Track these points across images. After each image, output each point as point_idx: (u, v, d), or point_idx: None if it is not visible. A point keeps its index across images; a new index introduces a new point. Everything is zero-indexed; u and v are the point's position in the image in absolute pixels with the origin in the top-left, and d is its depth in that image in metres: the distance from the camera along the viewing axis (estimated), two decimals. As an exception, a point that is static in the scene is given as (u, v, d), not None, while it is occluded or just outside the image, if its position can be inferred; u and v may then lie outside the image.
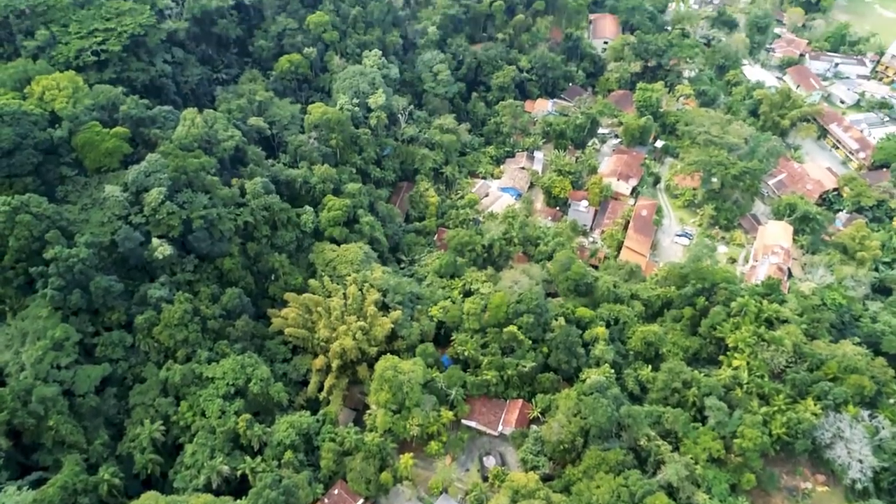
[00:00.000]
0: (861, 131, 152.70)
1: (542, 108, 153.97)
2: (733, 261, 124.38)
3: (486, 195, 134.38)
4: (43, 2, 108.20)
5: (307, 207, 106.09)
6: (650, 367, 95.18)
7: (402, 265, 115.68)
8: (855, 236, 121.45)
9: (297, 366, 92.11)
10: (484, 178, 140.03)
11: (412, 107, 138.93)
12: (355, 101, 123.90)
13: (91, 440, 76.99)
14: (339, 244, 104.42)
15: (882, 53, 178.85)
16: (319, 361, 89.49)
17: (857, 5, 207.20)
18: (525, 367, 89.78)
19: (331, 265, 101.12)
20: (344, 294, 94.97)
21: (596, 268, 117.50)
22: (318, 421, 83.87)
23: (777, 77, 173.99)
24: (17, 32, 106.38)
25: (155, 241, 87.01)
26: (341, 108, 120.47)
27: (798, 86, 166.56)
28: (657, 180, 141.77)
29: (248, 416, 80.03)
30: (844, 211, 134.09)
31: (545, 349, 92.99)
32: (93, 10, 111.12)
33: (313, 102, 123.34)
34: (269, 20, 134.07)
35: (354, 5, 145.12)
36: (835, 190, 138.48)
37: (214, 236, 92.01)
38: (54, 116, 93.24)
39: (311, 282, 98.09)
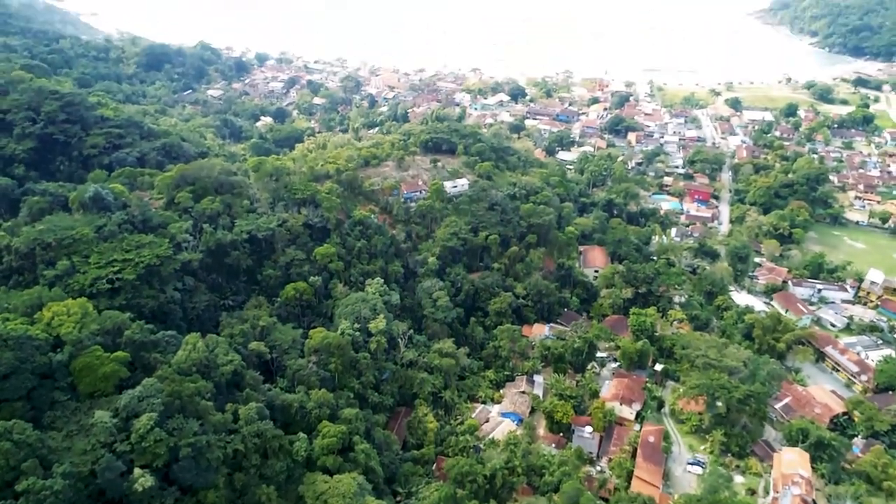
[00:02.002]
0: (858, 354, 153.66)
1: (540, 332, 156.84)
2: (752, 492, 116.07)
3: (487, 420, 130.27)
4: (70, 236, 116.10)
5: (301, 434, 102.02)
6: None
7: (399, 498, 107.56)
8: (877, 464, 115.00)
9: None
10: (484, 402, 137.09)
11: (412, 331, 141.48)
12: (356, 326, 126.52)
13: None
14: (331, 474, 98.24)
15: (861, 280, 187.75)
16: None
17: (828, 238, 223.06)
18: None
19: (322, 498, 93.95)
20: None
21: (606, 500, 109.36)
22: None
23: (765, 302, 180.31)
24: (40, 262, 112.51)
25: (137, 471, 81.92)
26: (342, 333, 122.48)
27: (787, 310, 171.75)
28: (661, 404, 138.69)
29: None
30: (860, 436, 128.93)
31: None
32: (115, 242, 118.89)
33: (315, 328, 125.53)
34: (278, 252, 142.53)
35: (360, 238, 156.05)
36: (844, 414, 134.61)
37: (201, 465, 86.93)
38: (58, 340, 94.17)
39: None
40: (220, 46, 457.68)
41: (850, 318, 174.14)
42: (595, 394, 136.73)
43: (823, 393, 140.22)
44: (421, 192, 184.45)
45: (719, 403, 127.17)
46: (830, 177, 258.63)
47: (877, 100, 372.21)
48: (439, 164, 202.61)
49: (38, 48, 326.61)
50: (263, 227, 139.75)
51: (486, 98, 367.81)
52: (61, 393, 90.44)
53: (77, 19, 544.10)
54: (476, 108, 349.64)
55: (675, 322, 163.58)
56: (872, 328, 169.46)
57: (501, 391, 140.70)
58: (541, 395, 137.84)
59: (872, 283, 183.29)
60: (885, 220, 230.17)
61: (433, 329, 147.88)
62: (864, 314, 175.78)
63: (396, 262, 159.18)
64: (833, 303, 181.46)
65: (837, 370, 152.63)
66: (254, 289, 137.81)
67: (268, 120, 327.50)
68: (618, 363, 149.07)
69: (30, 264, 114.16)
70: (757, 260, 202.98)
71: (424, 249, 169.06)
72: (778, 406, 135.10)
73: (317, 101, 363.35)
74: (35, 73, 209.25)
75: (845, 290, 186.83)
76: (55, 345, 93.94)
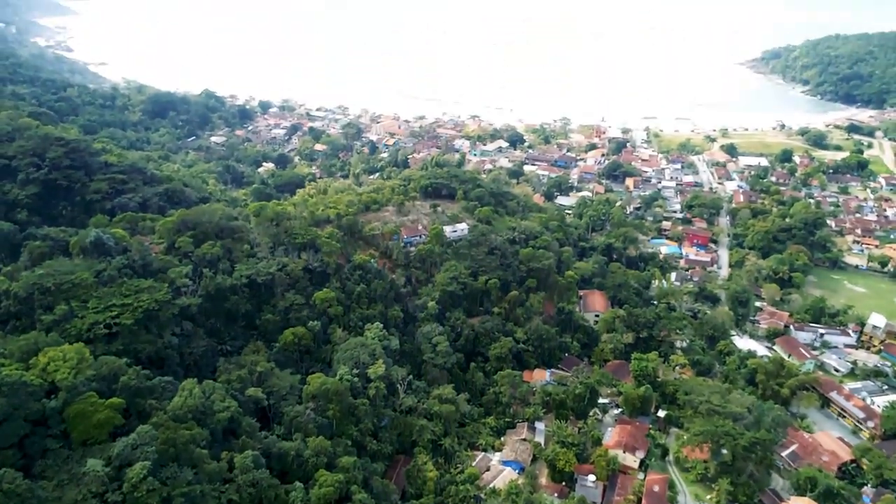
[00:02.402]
0: (863, 399, 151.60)
1: (541, 378, 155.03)
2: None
3: (488, 469, 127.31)
4: (69, 280, 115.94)
5: (297, 484, 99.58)
6: None
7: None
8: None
9: None
10: (484, 450, 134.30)
11: (411, 377, 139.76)
12: (355, 371, 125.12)
13: None
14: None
15: (863, 324, 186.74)
16: None
17: (827, 282, 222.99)
18: None
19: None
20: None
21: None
22: None
23: (767, 347, 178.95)
24: (38, 307, 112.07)
25: (128, 522, 79.77)
26: (340, 379, 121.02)
27: (789, 355, 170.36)
28: (665, 452, 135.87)
29: None
30: (869, 485, 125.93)
31: None
32: (114, 287, 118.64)
33: (314, 373, 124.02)
34: (278, 296, 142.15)
35: (359, 283, 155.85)
36: (852, 461, 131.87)
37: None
38: (53, 386, 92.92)
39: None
40: (224, 94, 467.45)
41: (854, 362, 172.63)
42: (598, 441, 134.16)
43: (830, 440, 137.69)
44: (421, 237, 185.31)
45: (724, 451, 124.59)
46: (828, 221, 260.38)
47: (870, 145, 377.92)
48: (439, 208, 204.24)
49: (46, 96, 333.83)
50: (263, 272, 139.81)
51: (485, 144, 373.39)
52: (54, 441, 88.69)
53: (86, 69, 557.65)
54: (475, 154, 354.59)
55: (677, 367, 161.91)
56: (877, 373, 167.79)
57: (502, 438, 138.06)
58: (542, 443, 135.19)
59: (875, 327, 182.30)
60: (884, 265, 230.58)
61: (433, 374, 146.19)
62: (868, 359, 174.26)
63: (396, 306, 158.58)
64: (836, 347, 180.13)
65: (843, 416, 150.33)
66: (252, 333, 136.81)
67: (269, 166, 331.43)
68: (620, 409, 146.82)
69: (28, 309, 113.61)
70: (757, 304, 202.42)
71: (424, 294, 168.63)
72: (784, 454, 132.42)
73: (318, 147, 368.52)
74: (42, 121, 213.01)
75: (848, 334, 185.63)
76: (49, 391, 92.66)
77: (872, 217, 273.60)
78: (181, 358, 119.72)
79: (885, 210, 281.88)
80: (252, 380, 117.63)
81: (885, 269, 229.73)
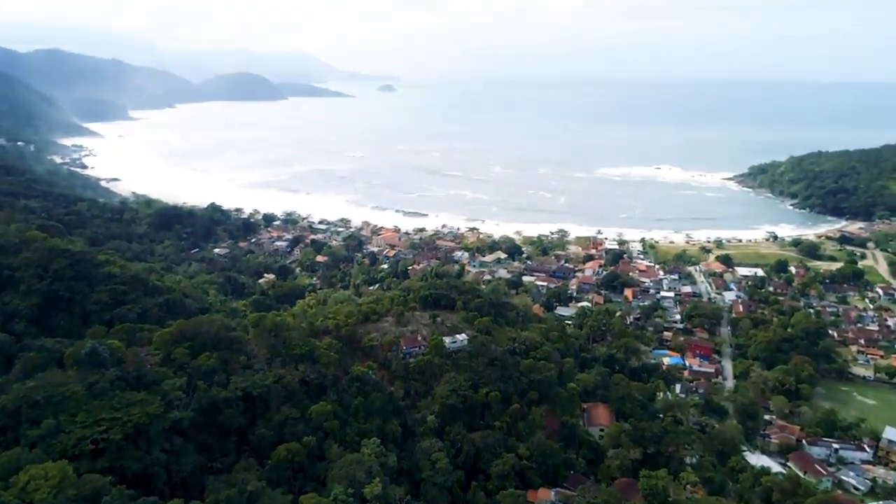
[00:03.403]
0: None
1: (545, 497, 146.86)
2: None
3: None
4: (59, 393, 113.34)
5: None
6: None
7: None
8: None
9: None
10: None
11: (409, 497, 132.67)
12: (350, 490, 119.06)
13: None
14: None
15: (878, 439, 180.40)
16: None
17: (836, 394, 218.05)
18: None
19: None
20: None
21: None
22: None
23: (780, 463, 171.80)
24: (25, 421, 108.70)
25: None
26: (335, 499, 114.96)
27: (805, 472, 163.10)
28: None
29: None
30: None
31: None
32: (105, 400, 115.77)
33: (307, 493, 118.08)
34: (273, 410, 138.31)
35: (357, 395, 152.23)
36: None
37: None
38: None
39: None
40: (230, 207, 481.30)
41: (874, 480, 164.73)
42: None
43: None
44: (420, 347, 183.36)
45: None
46: (829, 331, 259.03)
47: (863, 256, 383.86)
48: (438, 319, 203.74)
49: (57, 210, 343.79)
50: (259, 384, 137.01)
51: (483, 256, 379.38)
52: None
53: (98, 184, 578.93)
54: (474, 266, 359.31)
55: (688, 485, 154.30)
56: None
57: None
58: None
59: (891, 441, 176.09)
60: (892, 375, 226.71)
61: (432, 494, 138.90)
62: (888, 476, 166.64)
63: (394, 420, 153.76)
64: (852, 463, 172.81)
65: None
66: (244, 449, 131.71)
67: (271, 277, 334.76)
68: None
69: (14, 423, 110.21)
70: (766, 417, 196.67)
71: (423, 407, 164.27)
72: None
73: (320, 258, 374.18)
74: (50, 233, 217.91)
75: (864, 449, 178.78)
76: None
77: (874, 327, 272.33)
78: (168, 476, 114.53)
79: (885, 320, 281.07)
80: (242, 500, 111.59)
81: (894, 380, 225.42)
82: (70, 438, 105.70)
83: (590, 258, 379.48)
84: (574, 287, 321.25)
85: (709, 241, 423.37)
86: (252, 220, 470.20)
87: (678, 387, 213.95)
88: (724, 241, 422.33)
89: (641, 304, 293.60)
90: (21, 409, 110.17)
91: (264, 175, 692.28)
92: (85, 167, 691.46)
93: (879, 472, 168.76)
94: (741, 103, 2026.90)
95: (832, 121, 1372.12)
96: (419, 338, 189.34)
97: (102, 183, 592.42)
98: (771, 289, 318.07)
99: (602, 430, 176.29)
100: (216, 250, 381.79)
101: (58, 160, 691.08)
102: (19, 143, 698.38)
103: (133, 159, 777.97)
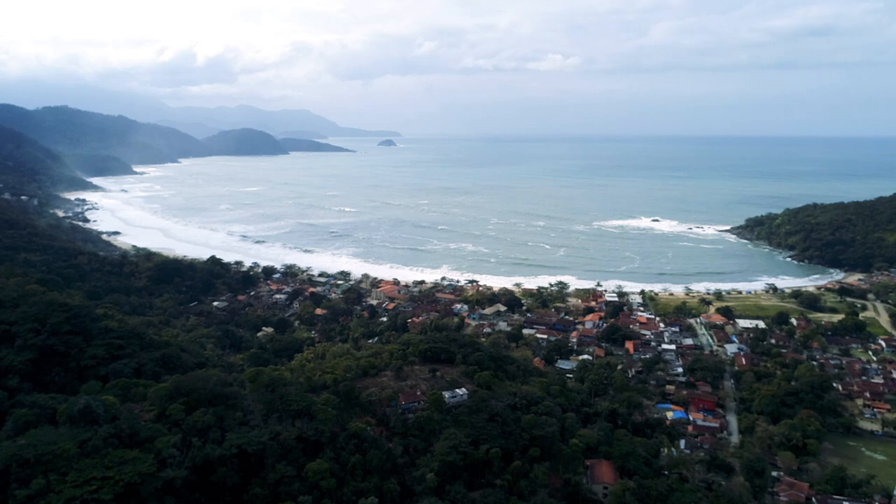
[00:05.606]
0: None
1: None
2: None
3: None
4: (50, 451, 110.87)
5: None
6: None
7: None
8: None
9: None
10: None
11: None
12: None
13: None
14: None
15: (889, 496, 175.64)
16: None
17: (844, 449, 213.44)
18: None
19: None
20: None
21: None
22: None
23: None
24: (14, 481, 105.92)
25: None
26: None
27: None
28: None
29: None
30: None
31: None
32: (97, 458, 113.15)
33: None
34: (268, 468, 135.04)
35: (354, 452, 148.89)
36: None
37: None
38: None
39: None
40: (230, 260, 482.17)
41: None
42: None
43: None
44: (419, 402, 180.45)
45: None
46: (834, 384, 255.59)
47: (864, 307, 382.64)
48: (438, 373, 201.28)
49: (57, 263, 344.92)
50: (254, 441, 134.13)
51: (483, 308, 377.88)
52: None
53: (99, 238, 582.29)
54: (474, 318, 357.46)
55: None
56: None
57: None
58: None
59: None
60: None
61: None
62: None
63: (393, 479, 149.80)
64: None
65: None
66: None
67: (269, 330, 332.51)
68: None
69: (3, 483, 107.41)
70: (773, 474, 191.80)
71: (422, 464, 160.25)
72: None
73: (318, 312, 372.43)
74: (48, 287, 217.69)
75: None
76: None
77: (879, 380, 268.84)
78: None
79: (890, 372, 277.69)
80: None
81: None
82: (59, 499, 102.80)
83: (590, 310, 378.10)
84: (574, 340, 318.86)
85: (709, 293, 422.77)
86: (252, 273, 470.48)
87: (682, 442, 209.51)
88: (724, 293, 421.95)
89: (643, 356, 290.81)
90: (10, 467, 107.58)
91: (265, 228, 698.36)
92: (87, 221, 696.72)
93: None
94: (732, 158, 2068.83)
95: (826, 175, 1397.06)
96: (418, 392, 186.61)
97: (104, 236, 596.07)
98: (773, 341, 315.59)
99: (606, 487, 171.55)
100: (215, 303, 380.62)
101: (60, 214, 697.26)
102: (23, 196, 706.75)
103: (135, 213, 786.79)
